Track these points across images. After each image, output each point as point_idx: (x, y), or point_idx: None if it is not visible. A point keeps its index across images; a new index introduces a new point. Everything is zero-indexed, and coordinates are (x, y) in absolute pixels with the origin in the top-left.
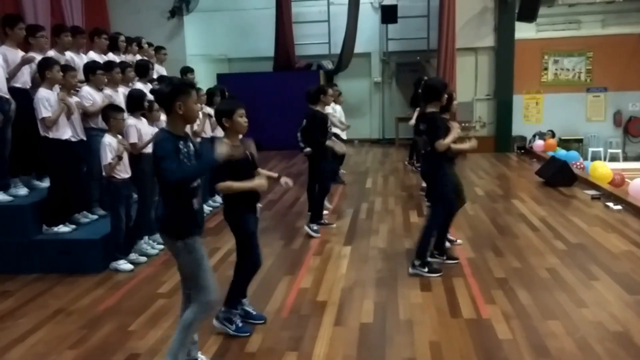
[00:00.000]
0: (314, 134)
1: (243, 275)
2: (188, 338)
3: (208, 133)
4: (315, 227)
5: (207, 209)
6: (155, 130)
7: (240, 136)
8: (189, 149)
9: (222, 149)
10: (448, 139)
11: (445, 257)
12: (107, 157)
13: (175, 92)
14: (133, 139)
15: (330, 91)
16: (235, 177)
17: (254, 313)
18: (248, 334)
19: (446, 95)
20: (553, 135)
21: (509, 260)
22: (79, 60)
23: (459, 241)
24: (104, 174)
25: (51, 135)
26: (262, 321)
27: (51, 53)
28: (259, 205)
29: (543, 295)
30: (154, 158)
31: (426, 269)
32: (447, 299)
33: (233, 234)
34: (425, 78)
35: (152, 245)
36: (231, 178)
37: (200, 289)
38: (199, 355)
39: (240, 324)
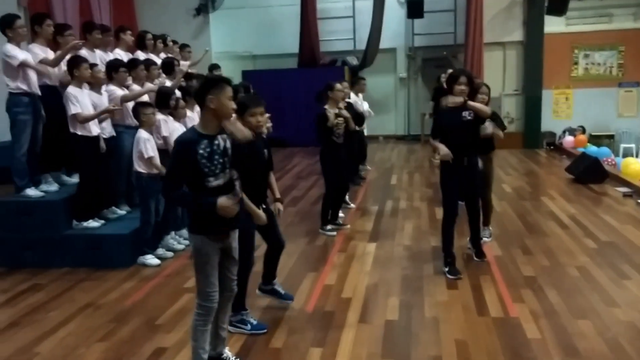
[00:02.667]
0: (317, 135)
1: (243, 275)
2: (199, 343)
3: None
4: (328, 227)
5: None
6: (180, 127)
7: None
8: (218, 147)
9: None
10: (431, 141)
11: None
12: (148, 150)
13: (208, 85)
14: (165, 132)
15: (338, 85)
16: (248, 176)
17: (283, 293)
18: (264, 330)
19: (462, 87)
20: (583, 131)
21: (538, 259)
22: (107, 57)
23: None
24: (138, 168)
25: (80, 131)
26: (291, 300)
27: (83, 51)
28: (263, 206)
29: (573, 294)
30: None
31: (447, 269)
32: (474, 297)
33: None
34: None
35: (178, 240)
36: (244, 176)
37: (199, 291)
38: (225, 351)
39: (254, 322)
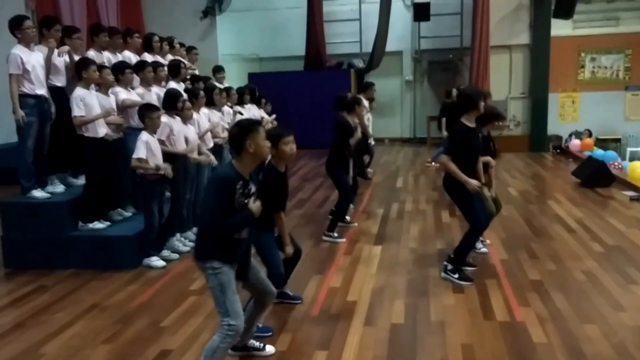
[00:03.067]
0: (338, 141)
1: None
2: None
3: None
4: (335, 234)
5: None
6: (188, 128)
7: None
8: (249, 191)
9: (255, 207)
10: (453, 167)
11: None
12: (140, 152)
13: (245, 131)
14: (162, 136)
15: (365, 102)
16: (272, 205)
17: (291, 294)
18: (269, 333)
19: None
20: (590, 134)
21: (544, 263)
22: (116, 60)
23: (488, 241)
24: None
25: (87, 133)
26: (299, 301)
27: (91, 53)
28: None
29: (579, 298)
30: (210, 182)
31: (457, 275)
32: (479, 301)
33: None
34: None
35: (183, 242)
36: (268, 205)
37: (227, 312)
38: (251, 340)
39: (260, 325)
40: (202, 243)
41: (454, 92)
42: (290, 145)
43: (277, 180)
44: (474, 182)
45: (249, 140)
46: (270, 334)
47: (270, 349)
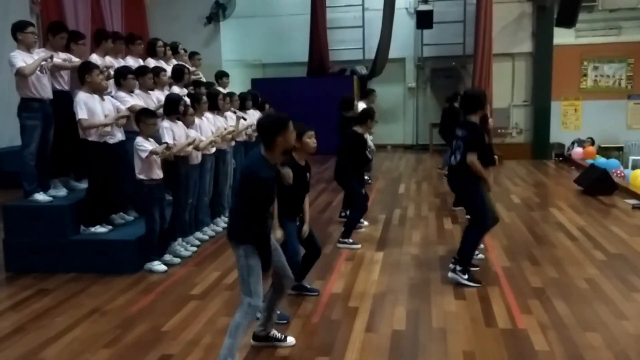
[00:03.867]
0: (354, 154)
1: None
2: (237, 341)
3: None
4: (350, 240)
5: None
6: (190, 132)
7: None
8: (273, 176)
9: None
10: (479, 165)
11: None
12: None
13: (276, 127)
14: (168, 139)
15: (375, 117)
16: (287, 197)
17: (308, 286)
18: (286, 321)
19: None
20: (592, 142)
21: (546, 270)
22: (118, 65)
23: (482, 245)
24: (139, 176)
25: (90, 137)
26: (316, 293)
27: (95, 57)
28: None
29: (581, 306)
30: (245, 174)
31: (466, 277)
32: (481, 308)
33: None
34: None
35: (185, 247)
36: (282, 197)
37: (250, 292)
38: (274, 331)
39: (278, 312)
40: (235, 226)
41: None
42: (312, 139)
43: (296, 172)
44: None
45: (280, 137)
46: (286, 322)
47: (291, 340)
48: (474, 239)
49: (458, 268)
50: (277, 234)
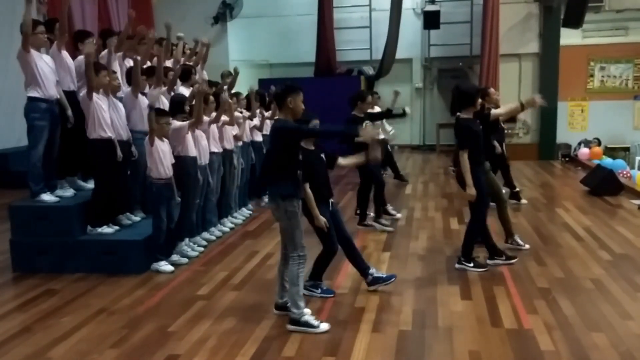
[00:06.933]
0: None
1: (320, 259)
2: (299, 287)
3: (248, 137)
4: (383, 221)
5: (246, 212)
6: (197, 133)
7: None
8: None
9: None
10: (467, 166)
11: (504, 257)
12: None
13: (288, 91)
14: (177, 140)
15: (369, 98)
16: (314, 176)
17: (325, 288)
18: (332, 295)
19: (479, 101)
20: (599, 143)
21: (552, 270)
22: (126, 63)
23: (527, 246)
24: (150, 175)
25: (96, 136)
26: (332, 295)
27: (104, 54)
28: (332, 200)
29: (587, 306)
30: (279, 133)
31: (471, 264)
32: (487, 308)
33: (311, 225)
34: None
35: (192, 247)
36: (308, 173)
37: (295, 246)
38: (311, 319)
39: (324, 287)
40: (274, 185)
41: None
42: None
43: (305, 156)
44: (472, 192)
45: (290, 98)
46: (333, 295)
47: (324, 326)
48: (472, 230)
49: (462, 258)
50: (320, 221)
